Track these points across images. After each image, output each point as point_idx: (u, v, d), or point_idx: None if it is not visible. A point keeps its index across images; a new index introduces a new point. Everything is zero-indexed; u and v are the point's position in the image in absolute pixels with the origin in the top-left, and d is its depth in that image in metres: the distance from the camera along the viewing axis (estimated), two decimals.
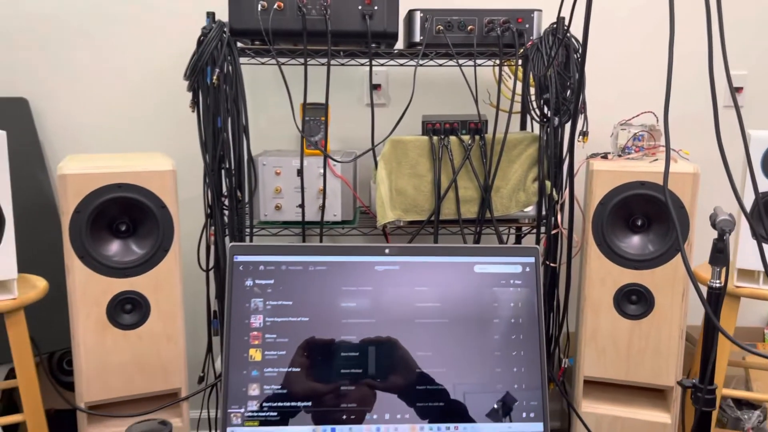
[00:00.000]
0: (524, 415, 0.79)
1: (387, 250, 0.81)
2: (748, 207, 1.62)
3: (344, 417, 0.77)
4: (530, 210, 1.81)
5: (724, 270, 0.90)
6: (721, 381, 1.69)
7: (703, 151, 2.27)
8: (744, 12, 2.23)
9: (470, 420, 0.78)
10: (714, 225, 0.89)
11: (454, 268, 0.81)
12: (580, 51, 1.75)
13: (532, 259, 0.82)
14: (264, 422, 0.77)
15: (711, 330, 0.93)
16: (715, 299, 0.92)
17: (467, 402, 0.78)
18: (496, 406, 0.78)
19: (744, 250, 1.63)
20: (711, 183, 2.28)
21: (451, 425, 0.78)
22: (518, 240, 2.17)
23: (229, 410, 0.76)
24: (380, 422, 0.77)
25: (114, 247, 1.64)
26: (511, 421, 0.79)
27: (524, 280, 0.81)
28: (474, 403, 0.78)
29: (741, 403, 2.02)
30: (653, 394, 1.83)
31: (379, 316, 0.79)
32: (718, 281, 0.91)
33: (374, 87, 2.24)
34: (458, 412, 0.78)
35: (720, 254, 0.88)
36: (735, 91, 2.29)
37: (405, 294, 0.80)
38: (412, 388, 0.78)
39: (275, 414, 0.77)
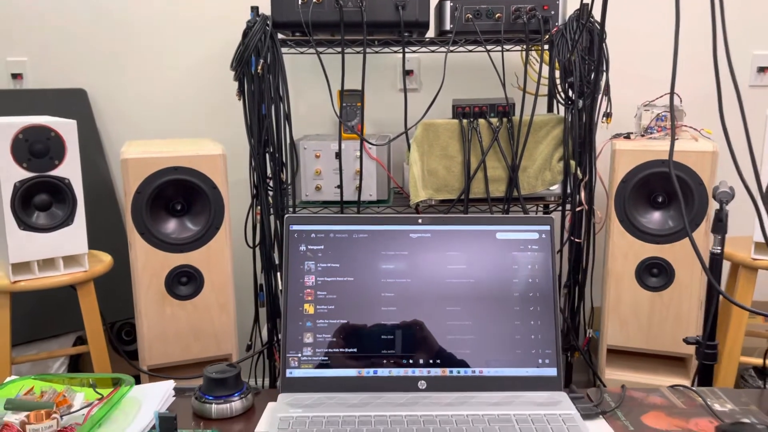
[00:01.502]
0: (540, 361, 0.91)
1: (420, 220, 0.93)
2: (767, 183, 1.69)
3: (384, 362, 0.90)
4: (556, 188, 1.91)
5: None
6: (738, 349, 1.78)
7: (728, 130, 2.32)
8: None
9: (493, 366, 0.90)
10: (714, 197, 0.99)
11: (479, 235, 0.93)
12: (600, 35, 1.83)
13: (547, 227, 0.93)
14: (317, 366, 0.90)
15: (713, 292, 1.03)
16: (717, 264, 1.02)
17: (490, 350, 0.90)
18: (516, 353, 0.91)
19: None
20: (730, 160, 2.33)
21: (477, 369, 0.90)
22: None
23: (288, 355, 0.90)
24: (415, 366, 0.90)
25: (171, 225, 1.80)
26: (528, 367, 0.91)
27: (540, 246, 0.93)
28: (497, 351, 0.90)
29: (763, 374, 2.10)
30: (673, 362, 1.93)
31: (414, 276, 0.92)
32: (718, 248, 1.01)
33: (407, 73, 2.35)
34: (482, 359, 0.90)
35: (720, 222, 0.98)
36: (761, 70, 2.33)
37: (436, 258, 0.92)
38: (442, 338, 0.91)
39: (326, 358, 0.90)
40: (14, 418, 0.77)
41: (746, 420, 0.83)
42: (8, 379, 0.90)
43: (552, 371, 0.91)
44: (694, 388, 0.93)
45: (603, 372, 1.95)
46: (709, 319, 1.01)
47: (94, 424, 0.78)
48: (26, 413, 0.77)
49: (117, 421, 0.84)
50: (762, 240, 1.72)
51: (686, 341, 1.06)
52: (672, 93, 1.02)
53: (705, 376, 1.06)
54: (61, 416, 0.79)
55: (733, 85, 0.97)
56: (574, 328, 1.99)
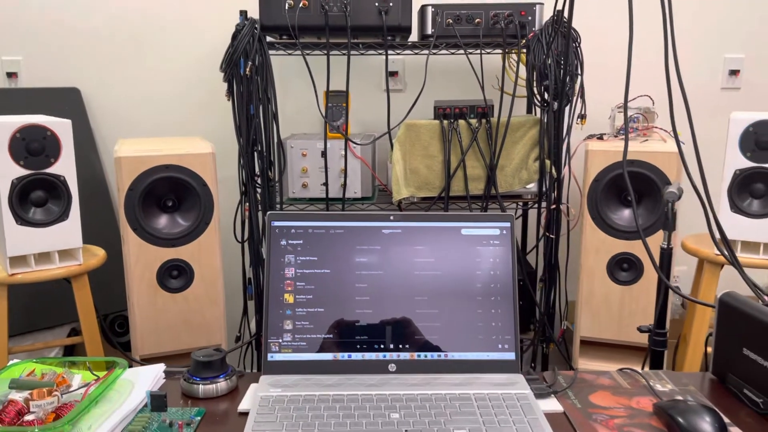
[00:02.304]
0: (500, 346, 0.99)
1: (392, 217, 1.01)
2: (728, 183, 1.78)
3: (357, 346, 0.98)
4: (532, 187, 2.00)
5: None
6: (703, 337, 1.87)
7: (697, 131, 2.42)
8: None
9: (457, 349, 0.99)
10: (663, 197, 1.07)
11: (446, 231, 1.01)
12: (577, 41, 1.91)
13: (507, 224, 1.01)
14: (296, 350, 0.99)
15: (662, 285, 1.12)
16: (666, 258, 1.11)
17: (454, 336, 0.99)
18: (478, 338, 0.99)
19: (724, 221, 1.80)
20: (702, 159, 2.43)
21: (442, 353, 0.99)
22: (524, 214, 2.36)
23: (269, 340, 0.98)
24: (386, 351, 0.98)
25: (162, 221, 1.87)
26: (489, 351, 1.00)
27: (501, 241, 1.01)
28: (460, 337, 0.99)
29: None
30: (643, 353, 2.02)
31: (386, 268, 1.00)
32: (665, 244, 1.10)
33: (391, 74, 2.43)
34: (447, 344, 0.99)
35: (668, 221, 1.07)
36: (733, 73, 2.43)
37: (406, 251, 1.01)
38: (411, 324, 0.99)
39: (304, 344, 0.98)
40: (18, 395, 0.85)
41: (680, 398, 0.92)
42: (11, 362, 0.98)
43: (510, 355, 0.99)
44: (640, 371, 1.01)
45: (577, 362, 2.04)
46: (657, 309, 1.10)
47: (91, 401, 0.86)
48: (29, 391, 0.85)
49: (112, 399, 0.92)
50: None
51: (639, 329, 1.15)
52: (626, 104, 1.11)
53: (655, 361, 1.15)
54: (61, 394, 0.87)
55: (680, 89, 1.06)
56: (549, 320, 2.08)
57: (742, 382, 0.93)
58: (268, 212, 1.01)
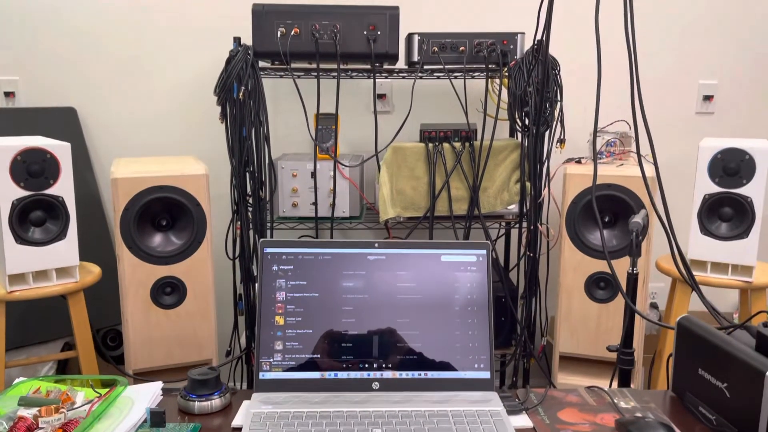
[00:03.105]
0: (476, 365, 1.07)
1: (376, 244, 1.09)
2: (698, 206, 1.87)
3: (343, 366, 1.05)
4: (513, 208, 2.08)
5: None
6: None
7: (673, 154, 2.52)
8: (714, 23, 2.47)
9: (436, 369, 1.06)
10: (628, 225, 1.16)
11: (426, 257, 1.09)
12: (556, 68, 2.01)
13: (483, 251, 1.09)
14: (286, 369, 1.06)
15: (628, 308, 1.20)
16: (632, 282, 1.19)
17: (434, 356, 1.06)
18: (456, 358, 1.07)
19: (695, 243, 1.89)
20: (675, 183, 2.53)
21: (422, 373, 1.06)
22: (506, 233, 2.45)
23: (261, 360, 1.05)
24: (370, 370, 1.06)
25: (157, 239, 1.94)
26: (466, 370, 1.07)
27: (478, 267, 1.09)
28: (439, 357, 1.06)
29: None
30: None
31: (371, 292, 1.07)
32: (633, 269, 1.18)
33: (380, 96, 2.51)
34: (427, 364, 1.06)
35: (632, 248, 1.15)
36: (707, 98, 2.53)
37: (389, 276, 1.08)
38: (394, 345, 1.07)
39: (294, 363, 1.05)
40: (27, 412, 0.92)
41: (640, 415, 0.99)
42: (17, 380, 1.04)
43: (486, 374, 1.07)
44: (605, 389, 1.09)
45: (556, 377, 2.12)
46: (624, 330, 1.18)
47: (95, 418, 0.92)
48: (38, 408, 0.92)
49: (113, 416, 0.98)
50: (695, 257, 1.90)
51: (608, 349, 1.23)
52: (594, 135, 1.20)
53: (623, 379, 1.22)
54: (67, 411, 0.94)
55: (643, 120, 1.14)
56: (530, 336, 2.16)
57: (697, 400, 1.01)
58: (261, 240, 1.09)
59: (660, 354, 2.14)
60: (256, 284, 1.91)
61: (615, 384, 1.28)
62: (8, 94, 2.43)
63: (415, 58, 2.07)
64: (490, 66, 2.05)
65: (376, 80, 2.34)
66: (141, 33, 2.44)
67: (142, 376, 1.97)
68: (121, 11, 2.42)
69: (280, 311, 1.07)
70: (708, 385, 0.99)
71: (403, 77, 2.25)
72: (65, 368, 2.35)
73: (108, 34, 2.43)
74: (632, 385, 2.03)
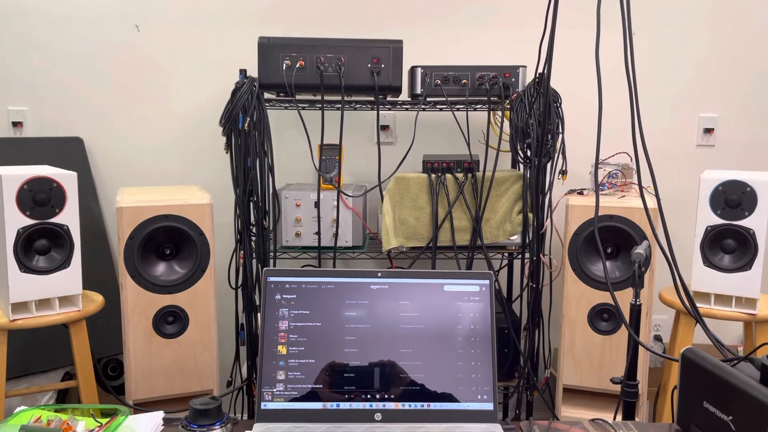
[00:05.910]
0: (479, 396, 1.06)
1: (379, 274, 1.09)
2: (700, 238, 1.88)
3: (346, 396, 1.05)
4: (516, 238, 2.08)
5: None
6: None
7: (674, 186, 2.54)
8: (714, 57, 2.51)
9: (439, 400, 1.06)
10: (631, 257, 1.16)
11: (429, 287, 1.09)
12: (558, 101, 2.03)
13: (486, 281, 1.09)
14: (288, 399, 1.05)
15: (632, 339, 1.19)
16: (635, 313, 1.19)
17: (437, 387, 1.06)
18: (459, 389, 1.06)
19: (698, 275, 1.89)
20: (677, 215, 2.53)
21: (425, 404, 1.05)
22: (509, 264, 2.45)
23: (263, 389, 1.05)
24: (373, 400, 1.05)
25: (160, 268, 1.94)
26: (469, 401, 1.06)
27: (481, 297, 1.09)
28: (442, 388, 1.06)
29: None
30: None
31: (373, 322, 1.08)
32: (636, 300, 1.18)
33: (383, 127, 2.54)
34: (430, 395, 1.06)
35: (634, 279, 1.16)
36: (707, 131, 2.55)
37: (392, 306, 1.08)
38: (396, 376, 1.06)
39: (296, 393, 1.05)
40: None
41: None
42: (18, 409, 1.04)
43: (489, 405, 1.06)
44: (609, 422, 1.08)
45: (560, 410, 2.09)
46: (628, 362, 1.18)
47: None
48: None
49: None
50: (698, 289, 1.90)
51: (612, 381, 1.22)
52: (596, 169, 1.21)
53: (627, 411, 1.21)
54: None
55: (644, 153, 1.15)
56: (533, 368, 2.14)
57: None
58: (265, 269, 1.09)
59: (665, 386, 2.12)
60: (259, 314, 1.90)
61: (619, 417, 1.27)
62: (16, 124, 2.46)
63: (418, 90, 2.10)
64: (492, 98, 2.08)
65: (380, 112, 2.37)
66: (147, 65, 2.48)
67: (143, 407, 1.95)
68: (128, 43, 2.46)
69: (283, 341, 1.07)
70: (713, 419, 0.98)
71: (406, 109, 2.28)
72: (65, 398, 2.33)
73: (115, 65, 2.47)
74: (636, 418, 2.01)
